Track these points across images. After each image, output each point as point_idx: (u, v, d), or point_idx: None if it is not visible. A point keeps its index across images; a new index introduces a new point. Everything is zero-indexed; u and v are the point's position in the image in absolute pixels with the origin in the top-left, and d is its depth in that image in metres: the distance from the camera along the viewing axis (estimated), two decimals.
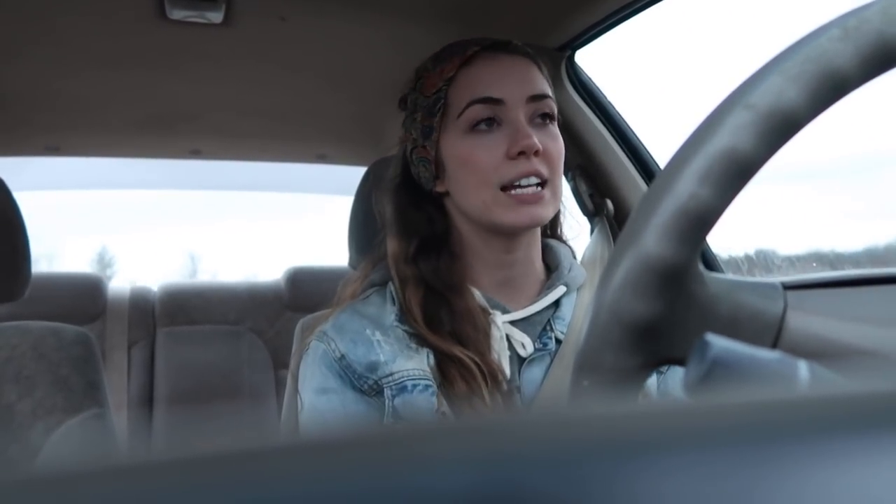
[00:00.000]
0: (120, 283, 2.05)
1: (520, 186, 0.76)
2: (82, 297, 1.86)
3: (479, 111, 0.78)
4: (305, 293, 1.92)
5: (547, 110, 0.80)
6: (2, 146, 1.57)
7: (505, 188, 0.76)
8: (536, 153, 0.75)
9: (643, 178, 1.25)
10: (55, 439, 0.96)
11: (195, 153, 1.78)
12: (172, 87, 1.38)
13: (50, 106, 1.41)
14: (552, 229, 0.91)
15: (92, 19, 1.09)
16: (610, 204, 1.27)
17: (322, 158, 1.88)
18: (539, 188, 0.76)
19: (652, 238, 0.29)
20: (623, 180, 1.26)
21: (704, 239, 0.30)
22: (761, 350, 0.27)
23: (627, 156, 1.26)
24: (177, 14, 1.08)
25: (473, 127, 0.78)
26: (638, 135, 1.28)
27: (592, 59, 1.28)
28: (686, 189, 0.29)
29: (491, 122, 0.78)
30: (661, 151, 1.28)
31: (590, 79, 1.27)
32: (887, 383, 0.17)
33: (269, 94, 1.46)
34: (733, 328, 0.31)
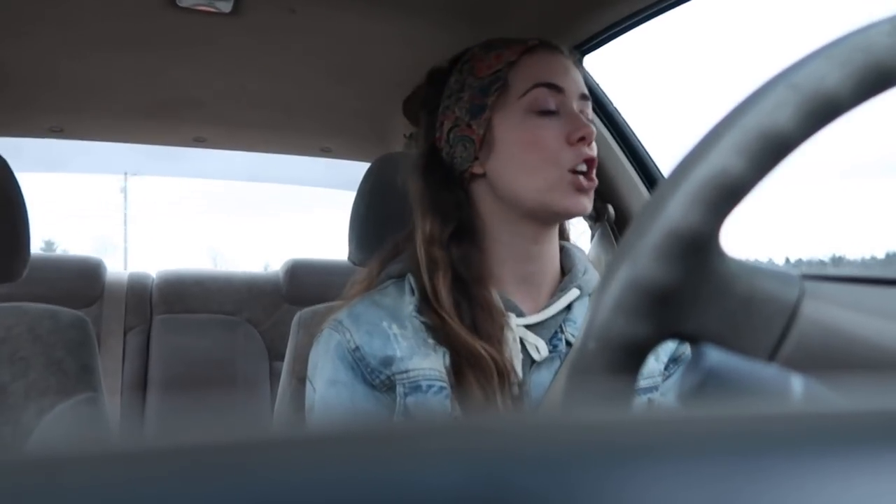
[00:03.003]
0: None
1: (579, 172, 0.79)
2: (80, 281, 1.85)
3: (542, 94, 0.80)
4: (304, 286, 1.92)
5: (589, 111, 0.84)
6: (5, 126, 1.57)
7: (571, 171, 0.79)
8: (590, 143, 0.79)
9: (645, 184, 1.25)
10: (47, 422, 0.96)
11: (199, 141, 1.78)
12: (179, 74, 1.38)
13: (55, 87, 1.41)
14: (561, 230, 0.91)
15: (102, 3, 1.09)
16: (611, 209, 1.27)
17: (326, 152, 1.88)
18: (589, 180, 0.80)
19: (680, 204, 0.29)
20: (625, 186, 1.26)
21: (731, 212, 0.30)
22: (756, 363, 0.27)
23: (630, 162, 1.26)
24: (186, 2, 1.08)
25: (534, 110, 0.80)
26: (642, 141, 1.28)
27: (599, 64, 1.28)
28: (720, 160, 0.29)
29: (549, 110, 0.80)
30: (664, 158, 1.28)
31: (596, 83, 1.27)
32: (879, 401, 0.17)
33: (276, 86, 1.45)
34: (747, 309, 0.31)
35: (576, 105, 0.81)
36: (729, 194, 0.29)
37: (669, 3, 1.04)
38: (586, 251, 1.12)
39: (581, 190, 0.79)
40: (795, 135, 0.29)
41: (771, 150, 0.29)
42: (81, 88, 1.43)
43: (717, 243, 0.30)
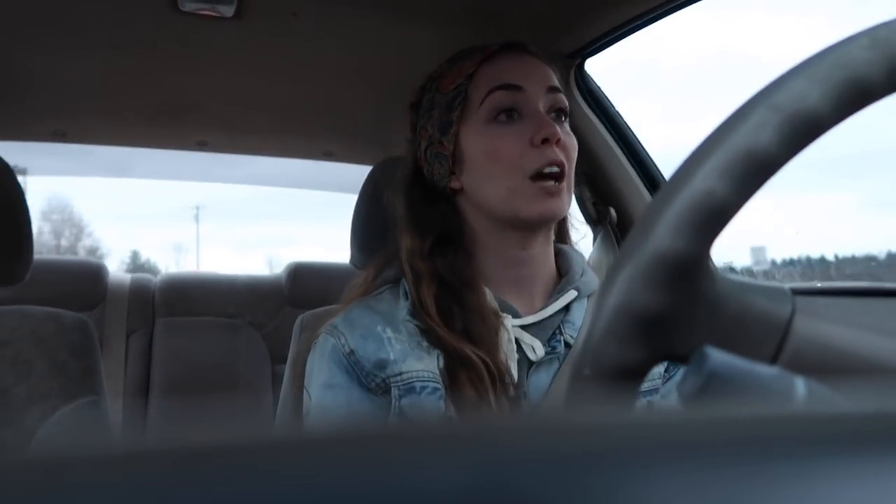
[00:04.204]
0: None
1: (544, 176, 0.77)
2: (83, 284, 1.86)
3: (500, 98, 0.79)
4: (306, 289, 1.92)
5: (562, 105, 0.82)
6: (9, 130, 1.58)
7: (532, 178, 0.77)
8: (558, 142, 0.77)
9: (647, 187, 1.25)
10: (50, 425, 0.96)
11: (201, 145, 1.79)
12: (181, 78, 1.38)
13: (59, 92, 1.41)
14: (560, 234, 0.91)
15: (105, 7, 1.09)
16: (613, 212, 1.27)
17: (328, 156, 1.88)
18: (558, 182, 0.77)
19: (666, 230, 0.29)
20: (627, 189, 1.26)
21: (718, 235, 0.30)
22: (759, 364, 0.27)
23: (632, 165, 1.26)
24: (189, 6, 1.08)
25: (495, 118, 0.79)
26: (643, 144, 1.28)
27: (602, 66, 1.28)
28: (704, 183, 0.29)
29: (511, 114, 0.79)
30: (666, 162, 1.28)
31: (598, 87, 1.27)
32: (883, 403, 0.17)
33: (278, 90, 1.46)
34: (739, 328, 0.31)
35: (543, 101, 0.80)
36: (714, 217, 0.29)
37: (671, 6, 1.05)
38: (587, 254, 1.12)
39: (548, 194, 0.77)
40: (778, 155, 0.29)
41: (755, 172, 0.29)
42: (84, 93, 1.43)
43: (706, 265, 0.31)
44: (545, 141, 0.76)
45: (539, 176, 0.77)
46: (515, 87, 0.79)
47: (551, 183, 0.77)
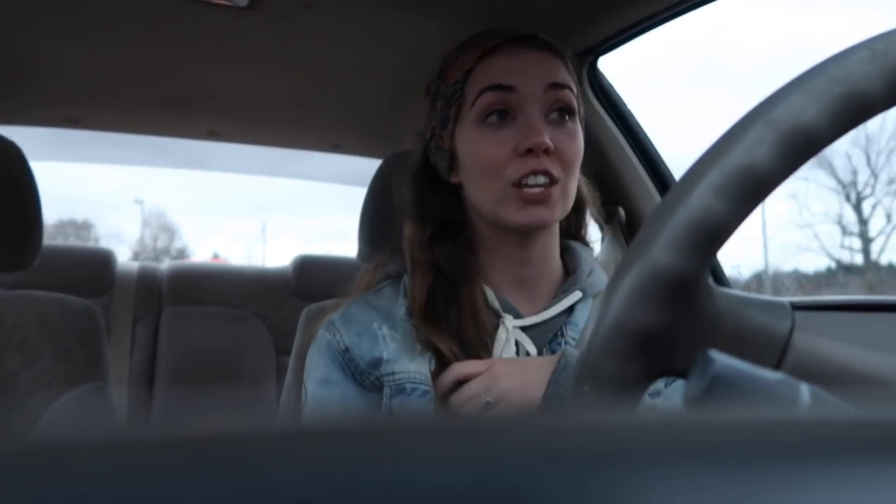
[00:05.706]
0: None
1: (527, 185, 0.74)
2: (91, 271, 1.86)
3: (490, 99, 0.76)
4: (312, 282, 1.92)
5: (564, 104, 0.77)
6: (22, 116, 1.58)
7: (515, 185, 0.75)
8: (547, 151, 0.73)
9: (657, 188, 1.24)
10: (54, 410, 0.96)
11: (212, 134, 1.79)
12: (194, 67, 1.38)
13: (71, 79, 1.42)
14: (575, 231, 0.89)
15: None
16: (622, 212, 1.27)
17: (337, 148, 1.88)
18: (547, 187, 0.74)
19: (663, 248, 0.29)
20: (637, 189, 1.25)
21: (716, 252, 0.30)
22: (764, 370, 0.27)
23: (643, 165, 1.26)
24: None
25: (485, 119, 0.76)
26: (655, 145, 1.27)
27: (615, 65, 1.28)
28: (701, 201, 0.29)
29: (504, 115, 0.76)
30: (677, 163, 1.28)
31: (610, 86, 1.27)
32: (888, 412, 0.17)
33: (289, 81, 1.46)
34: (738, 344, 0.31)
35: (540, 101, 0.76)
36: (711, 236, 0.29)
37: (686, 6, 1.04)
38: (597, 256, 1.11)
39: (532, 202, 0.74)
40: (775, 172, 0.29)
41: (751, 189, 0.29)
42: (97, 80, 1.44)
43: (703, 282, 0.30)
44: (530, 150, 0.73)
45: (523, 184, 0.74)
46: (507, 88, 0.76)
47: (537, 190, 0.74)
